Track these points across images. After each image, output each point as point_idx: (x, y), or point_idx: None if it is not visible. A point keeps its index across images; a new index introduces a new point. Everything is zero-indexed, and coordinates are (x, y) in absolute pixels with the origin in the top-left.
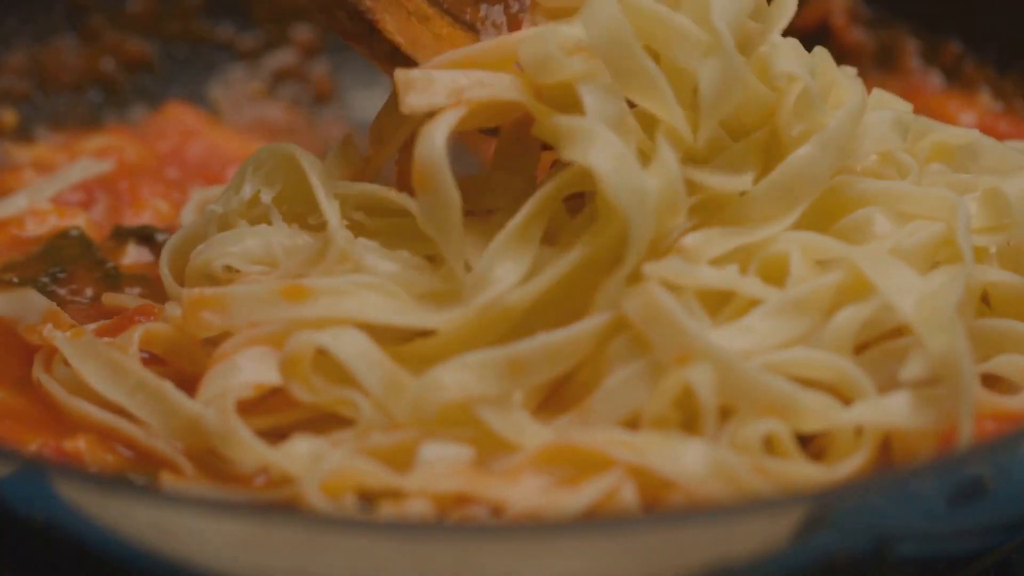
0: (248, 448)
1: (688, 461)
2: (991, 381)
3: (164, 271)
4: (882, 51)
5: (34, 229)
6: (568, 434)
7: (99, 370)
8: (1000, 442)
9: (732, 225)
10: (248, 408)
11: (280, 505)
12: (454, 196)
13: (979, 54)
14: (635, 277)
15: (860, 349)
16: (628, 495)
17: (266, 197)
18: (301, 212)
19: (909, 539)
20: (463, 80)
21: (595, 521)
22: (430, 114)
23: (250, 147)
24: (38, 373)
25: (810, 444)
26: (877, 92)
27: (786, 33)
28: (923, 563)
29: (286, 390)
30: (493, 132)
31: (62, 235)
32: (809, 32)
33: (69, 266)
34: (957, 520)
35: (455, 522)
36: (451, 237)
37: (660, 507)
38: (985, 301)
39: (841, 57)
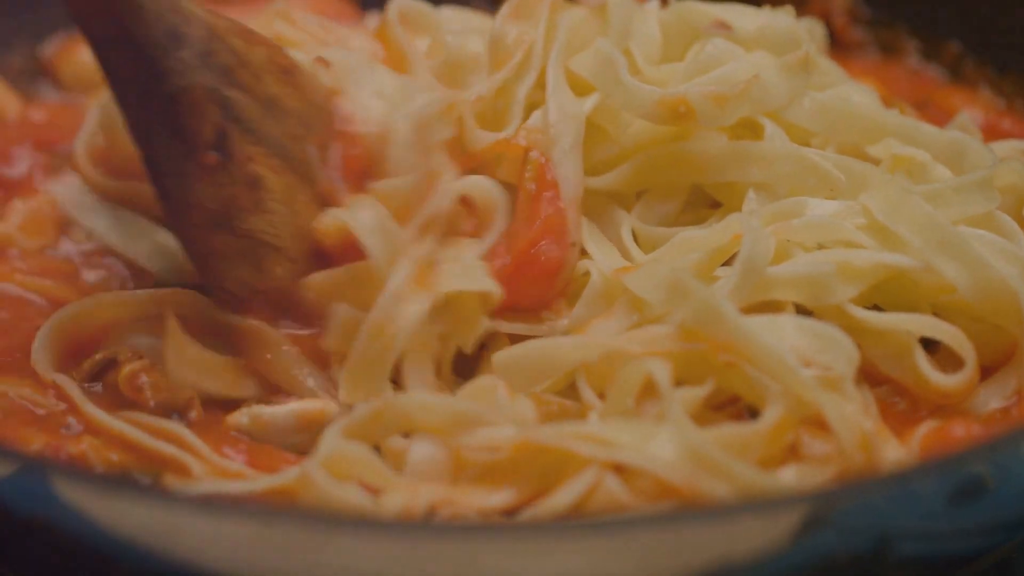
0: None
1: (657, 448)
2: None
3: None
4: (882, 51)
5: None
6: (536, 432)
7: None
8: (1000, 442)
9: None
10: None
11: (280, 505)
12: None
13: (979, 54)
14: None
15: None
16: (612, 484)
17: None
18: None
19: (909, 539)
20: None
21: (595, 521)
22: None
23: None
24: (53, 375)
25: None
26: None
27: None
28: (923, 563)
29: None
30: None
31: None
32: None
33: None
34: (957, 520)
35: (455, 522)
36: None
37: (660, 507)
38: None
39: (842, 57)
